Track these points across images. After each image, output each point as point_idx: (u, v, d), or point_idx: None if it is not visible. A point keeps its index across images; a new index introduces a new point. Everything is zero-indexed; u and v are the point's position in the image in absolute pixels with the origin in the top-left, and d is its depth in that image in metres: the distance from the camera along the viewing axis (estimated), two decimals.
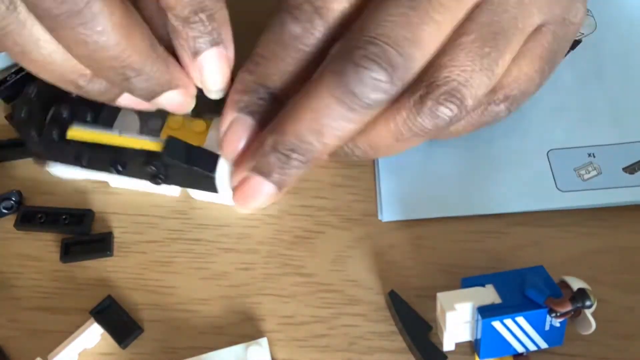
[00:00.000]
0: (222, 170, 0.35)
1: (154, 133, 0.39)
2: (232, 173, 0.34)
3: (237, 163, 0.33)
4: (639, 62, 0.44)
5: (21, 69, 0.45)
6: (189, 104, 0.35)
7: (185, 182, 0.39)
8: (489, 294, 0.33)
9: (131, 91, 0.33)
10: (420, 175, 0.41)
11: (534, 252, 0.39)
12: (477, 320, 0.33)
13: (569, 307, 0.32)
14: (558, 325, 0.33)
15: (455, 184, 0.40)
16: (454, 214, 0.39)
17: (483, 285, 0.34)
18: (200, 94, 0.35)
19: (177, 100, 0.34)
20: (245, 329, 0.37)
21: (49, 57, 0.31)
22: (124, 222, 0.40)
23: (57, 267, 0.39)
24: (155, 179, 0.37)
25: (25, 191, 0.41)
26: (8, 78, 0.45)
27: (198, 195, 0.40)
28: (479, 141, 0.41)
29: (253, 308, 0.37)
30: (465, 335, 0.34)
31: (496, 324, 0.32)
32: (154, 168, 0.37)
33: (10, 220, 0.40)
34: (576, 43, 0.45)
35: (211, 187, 0.36)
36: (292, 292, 0.38)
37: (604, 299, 0.36)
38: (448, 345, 0.34)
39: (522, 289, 0.33)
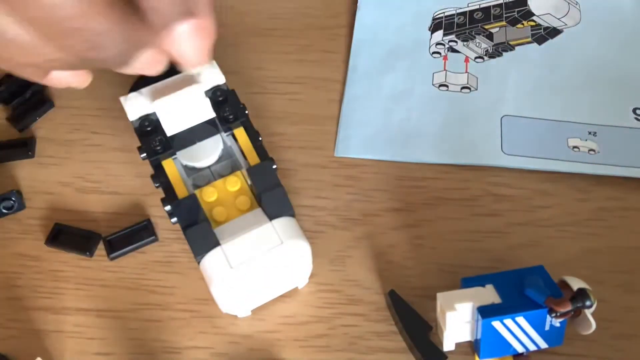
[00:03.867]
0: (209, 260, 0.34)
1: (215, 177, 0.37)
2: None
3: None
4: (615, 63, 0.45)
5: None
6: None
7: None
8: (489, 294, 0.33)
9: (101, 58, 0.27)
10: (381, 119, 0.43)
11: (534, 252, 0.39)
12: (477, 320, 0.33)
13: (569, 307, 0.32)
14: (558, 325, 0.33)
15: (412, 130, 0.43)
16: (401, 159, 0.42)
17: (483, 285, 0.34)
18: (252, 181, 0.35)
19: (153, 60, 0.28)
20: (245, 329, 0.37)
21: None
22: (125, 222, 0.40)
23: (58, 267, 0.39)
24: (168, 214, 0.36)
25: (25, 191, 0.41)
26: (3, 81, 0.45)
27: None
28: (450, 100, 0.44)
29: (253, 308, 0.37)
30: (465, 335, 0.34)
31: (496, 324, 0.32)
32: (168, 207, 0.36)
33: (10, 220, 0.40)
34: (556, 32, 0.46)
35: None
36: (292, 292, 0.38)
37: (604, 299, 0.36)
38: (448, 345, 0.34)
39: (522, 289, 0.33)
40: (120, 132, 0.43)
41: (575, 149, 0.41)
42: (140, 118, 0.37)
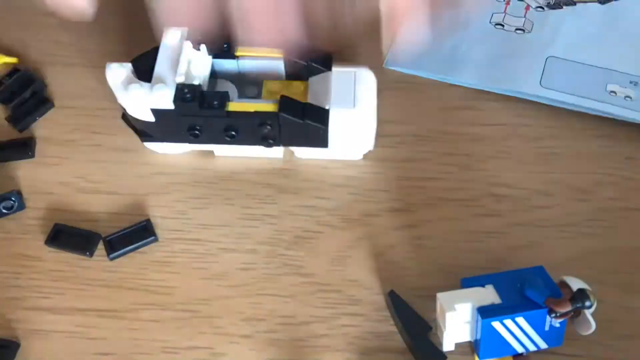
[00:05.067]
0: (334, 122, 0.38)
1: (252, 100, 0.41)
2: None
3: None
4: None
5: (17, 71, 0.45)
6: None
7: (297, 140, 0.40)
8: (488, 294, 0.33)
9: None
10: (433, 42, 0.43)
11: (534, 252, 0.39)
12: (477, 321, 0.33)
13: (568, 308, 0.32)
14: (558, 325, 0.33)
15: (461, 57, 0.46)
16: (446, 79, 0.44)
17: (483, 286, 0.34)
18: (292, 62, 0.40)
19: None
20: (245, 329, 0.37)
21: None
22: (125, 222, 0.40)
23: (58, 267, 0.39)
24: (266, 140, 0.39)
25: (25, 191, 0.41)
26: (3, 81, 0.45)
27: (304, 154, 0.41)
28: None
29: (253, 308, 0.37)
30: (465, 336, 0.34)
31: (496, 324, 0.32)
32: (269, 127, 0.38)
33: (10, 220, 0.40)
34: None
35: (322, 141, 0.39)
36: (292, 292, 0.38)
37: (604, 299, 0.36)
38: (448, 345, 0.34)
39: (521, 289, 0.33)
40: (120, 132, 0.43)
41: (612, 94, 0.43)
42: (179, 95, 0.38)
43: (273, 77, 0.41)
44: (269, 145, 0.39)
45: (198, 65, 0.40)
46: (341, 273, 0.38)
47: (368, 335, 0.36)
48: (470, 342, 0.34)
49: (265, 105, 0.38)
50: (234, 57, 0.41)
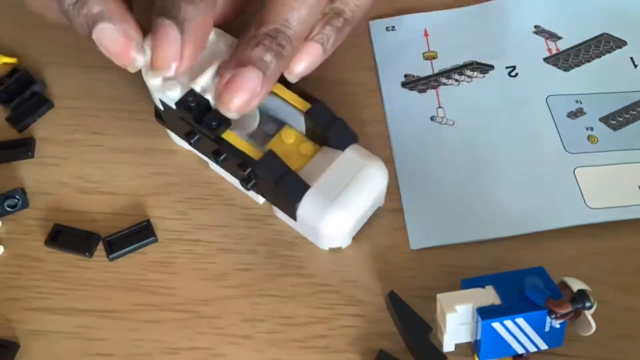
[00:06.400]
0: (307, 203, 0.36)
1: (266, 138, 0.39)
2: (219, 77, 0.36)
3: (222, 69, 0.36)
4: None
5: (16, 71, 0.45)
6: (127, 45, 0.35)
7: (271, 197, 0.39)
8: (489, 295, 0.33)
9: (70, 18, 0.35)
10: (440, 200, 0.40)
11: (534, 252, 0.39)
12: (477, 322, 0.33)
13: (568, 309, 0.32)
14: (558, 326, 0.33)
15: (475, 207, 0.40)
16: (479, 238, 0.39)
17: (483, 287, 0.34)
18: (311, 120, 0.37)
19: (110, 35, 0.35)
20: (245, 329, 0.37)
21: None
22: (125, 223, 0.40)
23: (57, 268, 0.39)
24: (245, 183, 0.38)
25: (27, 192, 0.41)
26: (3, 81, 0.45)
27: (280, 214, 0.39)
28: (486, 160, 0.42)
29: (253, 308, 0.37)
30: (466, 336, 0.34)
31: (496, 325, 0.32)
32: (245, 174, 0.37)
33: (10, 220, 0.40)
34: None
35: (292, 213, 0.37)
36: (292, 293, 0.38)
37: (604, 300, 0.36)
38: (448, 346, 0.34)
39: (522, 290, 0.33)
40: (120, 132, 0.43)
41: None
42: (185, 98, 0.37)
43: (294, 125, 0.39)
44: (247, 188, 0.38)
45: None
46: (341, 273, 0.38)
47: (368, 336, 0.36)
48: (470, 342, 0.34)
49: (255, 151, 0.37)
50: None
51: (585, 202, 0.40)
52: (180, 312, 0.37)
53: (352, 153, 0.37)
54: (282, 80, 0.38)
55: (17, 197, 0.41)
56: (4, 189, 0.41)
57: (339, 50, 0.39)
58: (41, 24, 0.48)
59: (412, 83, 0.45)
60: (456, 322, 0.33)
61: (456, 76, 0.45)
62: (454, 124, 0.43)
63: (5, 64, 0.46)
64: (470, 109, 0.44)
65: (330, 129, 0.37)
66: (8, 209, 0.40)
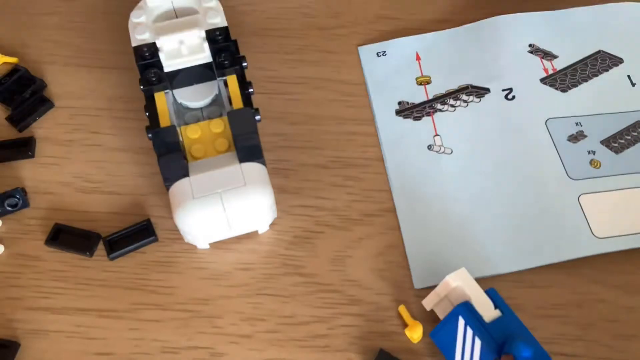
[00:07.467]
0: (177, 187, 0.37)
1: (201, 119, 0.40)
2: None
3: None
4: None
5: (17, 71, 0.45)
6: None
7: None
8: (488, 308, 0.34)
9: None
10: (442, 236, 0.39)
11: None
12: (454, 307, 0.34)
13: None
14: None
15: (478, 242, 0.39)
16: (482, 275, 0.38)
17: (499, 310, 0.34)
18: (230, 125, 0.37)
19: None
20: (245, 329, 0.37)
21: None
22: (125, 222, 0.40)
23: (58, 267, 0.39)
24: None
25: (28, 191, 0.41)
26: (3, 81, 0.45)
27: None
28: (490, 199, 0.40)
29: (253, 308, 0.37)
30: (441, 313, 0.35)
31: (461, 321, 0.33)
32: (148, 136, 0.38)
33: (10, 220, 0.40)
34: None
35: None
36: (292, 292, 0.38)
37: (604, 299, 0.36)
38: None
39: (508, 334, 0.33)
40: (120, 132, 0.43)
41: None
42: (142, 45, 0.39)
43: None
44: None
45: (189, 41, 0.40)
46: (341, 273, 0.38)
47: (368, 335, 0.36)
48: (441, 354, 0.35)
49: (169, 122, 0.38)
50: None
51: (592, 232, 0.38)
52: (180, 311, 0.37)
53: (246, 169, 0.37)
54: (241, 78, 0.39)
55: (18, 196, 0.41)
56: (5, 189, 0.41)
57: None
58: (41, 24, 0.48)
59: (406, 110, 0.44)
60: (445, 289, 0.34)
61: (452, 101, 0.44)
62: (452, 152, 0.42)
63: (5, 63, 0.46)
64: (468, 136, 0.42)
65: (240, 138, 0.37)
66: (8, 208, 0.40)
